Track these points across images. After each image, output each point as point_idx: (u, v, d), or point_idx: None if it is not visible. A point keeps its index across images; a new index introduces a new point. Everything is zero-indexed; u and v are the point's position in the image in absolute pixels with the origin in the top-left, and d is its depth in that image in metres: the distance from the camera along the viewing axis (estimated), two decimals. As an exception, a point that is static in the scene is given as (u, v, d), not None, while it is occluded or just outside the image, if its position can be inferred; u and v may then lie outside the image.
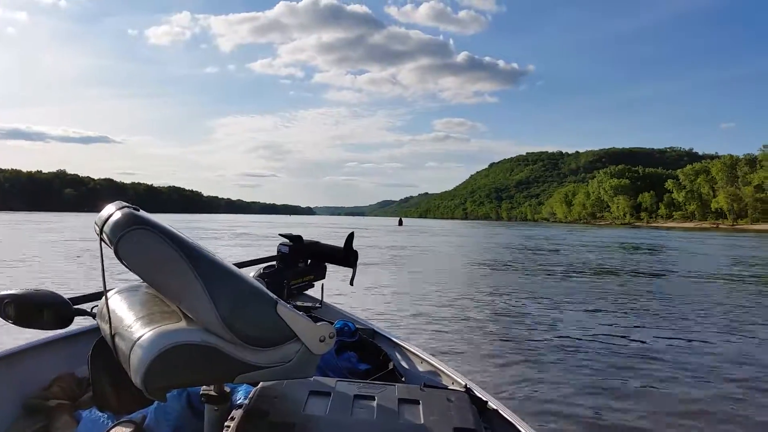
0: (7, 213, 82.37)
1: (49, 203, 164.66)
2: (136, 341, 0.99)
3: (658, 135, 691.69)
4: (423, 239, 28.58)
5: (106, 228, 1.10)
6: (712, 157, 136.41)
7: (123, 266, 1.11)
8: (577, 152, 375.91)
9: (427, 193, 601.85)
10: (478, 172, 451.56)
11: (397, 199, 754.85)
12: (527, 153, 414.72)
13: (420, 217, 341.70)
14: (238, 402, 1.35)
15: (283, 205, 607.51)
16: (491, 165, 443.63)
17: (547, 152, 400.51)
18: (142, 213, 1.12)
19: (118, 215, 1.10)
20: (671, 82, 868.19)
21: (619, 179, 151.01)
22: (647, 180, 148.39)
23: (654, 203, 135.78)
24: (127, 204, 1.15)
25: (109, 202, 1.19)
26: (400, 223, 69.50)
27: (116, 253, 1.06)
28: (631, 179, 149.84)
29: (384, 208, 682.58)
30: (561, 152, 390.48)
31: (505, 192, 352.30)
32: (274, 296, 1.09)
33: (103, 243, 1.13)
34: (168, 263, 1.04)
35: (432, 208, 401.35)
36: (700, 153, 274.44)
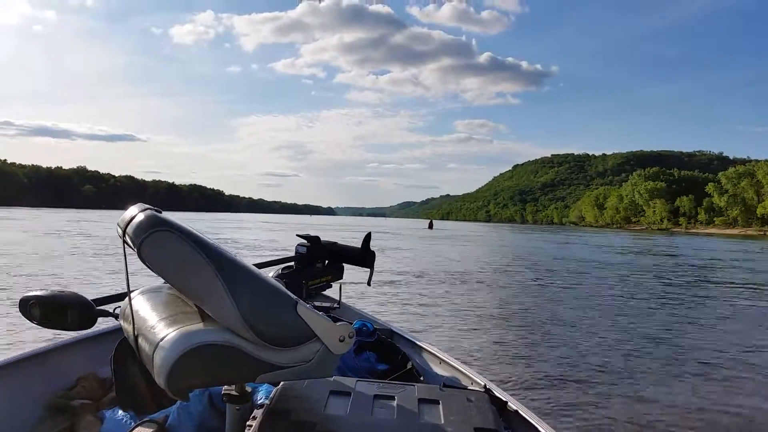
0: (17, 209, 79.32)
1: (69, 200, 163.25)
2: (159, 342, 1.00)
3: (682, 138, 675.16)
4: (479, 251, 22.03)
5: (129, 230, 1.10)
6: (744, 161, 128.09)
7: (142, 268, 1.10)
8: (604, 154, 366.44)
9: (448, 195, 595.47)
10: (501, 174, 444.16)
11: (419, 200, 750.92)
12: (552, 155, 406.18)
13: (442, 218, 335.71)
14: (260, 402, 1.35)
15: (305, 204, 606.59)
16: (515, 167, 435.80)
17: (572, 154, 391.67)
18: (165, 215, 1.13)
19: (141, 217, 1.10)
20: (694, 83, 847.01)
21: (654, 182, 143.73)
22: (683, 183, 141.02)
23: (692, 208, 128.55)
24: (150, 206, 1.16)
25: (132, 204, 1.20)
26: (431, 226, 63.01)
27: (139, 254, 1.07)
28: (666, 182, 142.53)
29: (405, 209, 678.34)
30: (587, 154, 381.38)
31: (530, 194, 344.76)
32: (294, 296, 1.10)
33: (126, 245, 1.13)
34: (190, 264, 1.05)
35: (454, 209, 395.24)
36: (731, 157, 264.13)
